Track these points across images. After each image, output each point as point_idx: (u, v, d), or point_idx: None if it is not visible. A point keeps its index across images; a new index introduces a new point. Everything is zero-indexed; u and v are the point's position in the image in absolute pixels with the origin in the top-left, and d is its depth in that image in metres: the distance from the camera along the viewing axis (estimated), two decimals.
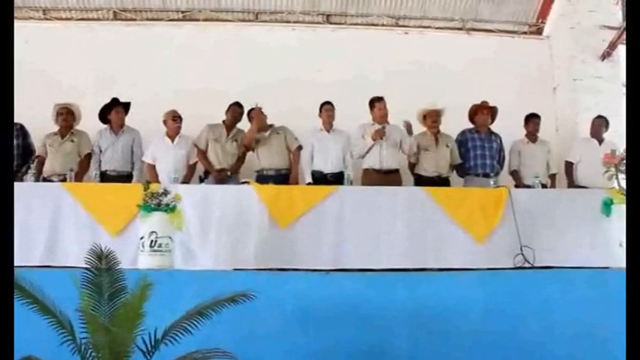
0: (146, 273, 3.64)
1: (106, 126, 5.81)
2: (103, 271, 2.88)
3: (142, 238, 4.00)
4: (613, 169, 4.41)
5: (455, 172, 5.86)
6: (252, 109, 5.69)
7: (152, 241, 3.96)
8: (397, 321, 3.58)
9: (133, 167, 5.72)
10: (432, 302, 3.63)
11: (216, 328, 3.27)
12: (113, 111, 5.76)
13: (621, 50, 6.65)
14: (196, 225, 4.45)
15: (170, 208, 4.04)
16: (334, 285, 3.71)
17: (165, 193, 4.08)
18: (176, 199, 4.09)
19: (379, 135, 5.42)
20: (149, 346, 2.79)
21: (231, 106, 5.70)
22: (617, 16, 6.59)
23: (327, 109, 5.74)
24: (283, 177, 5.45)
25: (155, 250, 3.97)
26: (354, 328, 3.57)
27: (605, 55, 6.64)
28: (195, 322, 2.83)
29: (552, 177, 6.10)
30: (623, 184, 4.40)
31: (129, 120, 5.88)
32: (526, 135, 6.15)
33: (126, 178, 5.60)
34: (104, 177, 5.55)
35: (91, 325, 2.66)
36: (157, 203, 4.04)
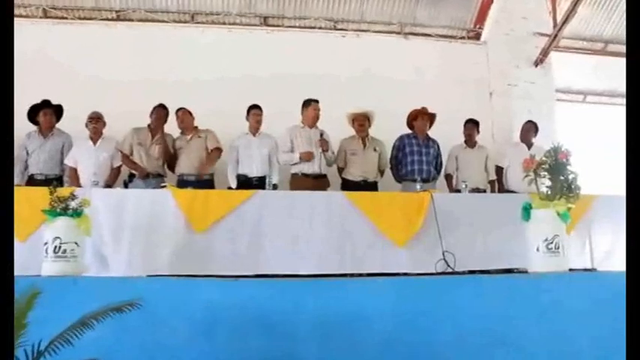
0: (47, 280, 3.54)
1: (35, 128, 5.61)
2: None
3: (45, 243, 3.82)
4: (532, 173, 4.43)
5: (382, 176, 5.82)
6: (179, 109, 5.57)
7: (56, 246, 3.77)
8: (306, 329, 3.47)
9: (63, 171, 5.52)
10: (344, 310, 3.52)
11: (122, 336, 3.20)
12: (41, 113, 5.57)
13: (553, 57, 6.78)
14: (109, 230, 4.29)
15: (76, 213, 3.88)
16: (244, 292, 3.58)
17: (73, 197, 3.92)
18: (84, 204, 3.93)
19: (308, 158, 5.39)
20: (30, 358, 2.64)
21: (155, 108, 5.56)
22: (548, 23, 6.70)
23: (255, 113, 5.66)
24: (205, 182, 5.34)
25: (59, 256, 3.78)
26: (262, 337, 3.44)
27: (538, 62, 6.75)
28: (77, 333, 2.68)
29: (492, 183, 6.13)
30: (543, 188, 4.43)
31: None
32: (464, 140, 6.17)
33: (54, 182, 5.38)
34: (32, 180, 5.37)
35: None
36: (63, 208, 3.88)
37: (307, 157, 5.40)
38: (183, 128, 5.63)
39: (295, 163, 5.47)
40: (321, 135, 5.46)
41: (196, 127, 5.63)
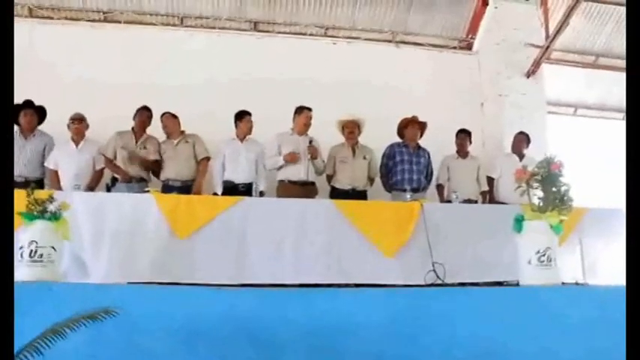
0: (20, 286, 3.39)
1: (16, 128, 5.42)
2: None
3: (21, 247, 3.66)
4: (524, 185, 4.35)
5: (371, 185, 5.72)
6: (163, 114, 5.47)
7: (32, 251, 3.63)
8: (291, 340, 3.35)
9: (44, 174, 5.37)
10: (330, 321, 3.40)
11: (99, 346, 3.08)
12: (21, 113, 5.40)
13: (544, 69, 6.76)
14: (89, 235, 4.16)
15: (54, 217, 3.73)
16: (227, 301, 3.45)
17: (51, 200, 3.77)
18: (63, 207, 3.78)
19: (293, 160, 5.30)
20: None
21: (138, 110, 5.45)
22: (540, 34, 6.67)
23: (248, 120, 5.54)
24: (189, 188, 5.22)
25: (35, 261, 3.63)
26: (245, 348, 3.31)
27: (530, 73, 6.72)
28: (48, 342, 2.53)
29: (483, 194, 6.05)
30: (535, 199, 4.36)
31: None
32: (456, 150, 6.11)
33: (32, 184, 5.22)
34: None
35: None
36: (41, 211, 3.73)
37: (291, 158, 5.31)
38: (168, 133, 5.52)
39: (281, 167, 5.36)
40: (310, 142, 5.37)
41: (183, 132, 5.52)
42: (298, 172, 5.34)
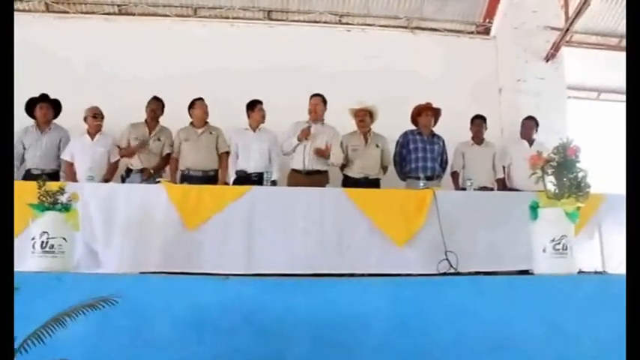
0: (29, 276, 3.43)
1: (33, 122, 5.53)
2: None
3: (33, 238, 3.72)
4: (539, 171, 4.23)
5: (384, 173, 5.66)
6: (195, 100, 5.49)
7: (43, 242, 3.68)
8: (298, 330, 3.32)
9: (60, 166, 5.46)
10: (337, 311, 3.36)
11: (106, 333, 3.10)
12: (37, 107, 5.50)
13: (565, 52, 6.57)
14: (101, 226, 4.19)
15: (65, 208, 3.77)
16: (234, 290, 3.45)
17: (62, 191, 3.82)
18: (73, 199, 3.83)
19: (305, 135, 5.24)
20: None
21: (149, 101, 5.49)
22: (560, 17, 6.48)
23: (260, 108, 5.52)
24: (210, 178, 5.24)
25: (47, 252, 3.68)
26: (252, 337, 3.31)
27: (549, 57, 6.54)
28: (51, 331, 2.55)
29: (499, 181, 5.93)
30: (550, 186, 4.23)
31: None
32: (472, 137, 5.99)
33: (43, 176, 5.31)
34: (28, 175, 5.29)
35: None
36: (52, 202, 3.78)
37: (304, 134, 5.27)
38: (196, 119, 5.52)
39: (296, 146, 5.33)
40: (309, 128, 5.34)
41: (207, 123, 5.54)
42: (301, 162, 5.31)
